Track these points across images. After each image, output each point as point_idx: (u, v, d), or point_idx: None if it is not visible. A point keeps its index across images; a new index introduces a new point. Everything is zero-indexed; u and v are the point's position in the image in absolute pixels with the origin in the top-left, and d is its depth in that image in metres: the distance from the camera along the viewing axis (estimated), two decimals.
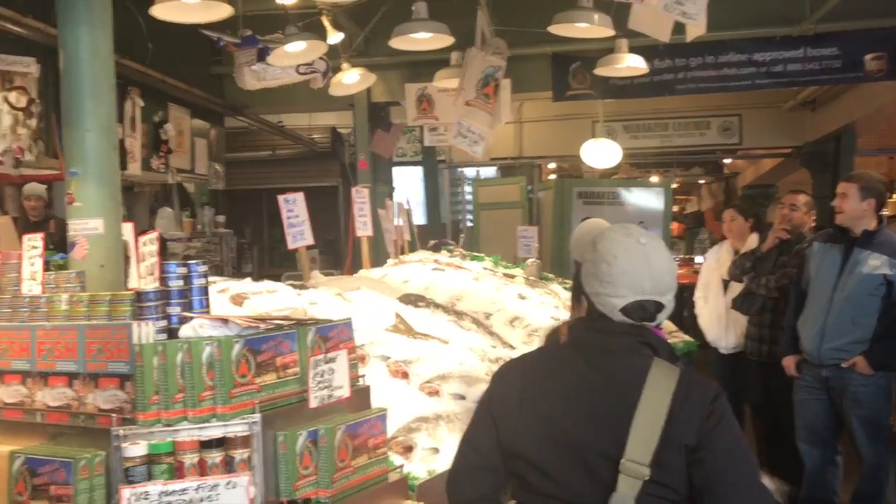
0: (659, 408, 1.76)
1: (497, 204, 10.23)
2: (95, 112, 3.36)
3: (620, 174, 13.85)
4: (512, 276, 5.94)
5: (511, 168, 13.10)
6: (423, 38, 5.64)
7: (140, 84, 7.43)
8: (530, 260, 6.87)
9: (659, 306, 1.90)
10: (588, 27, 5.34)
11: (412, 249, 7.09)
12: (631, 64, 6.51)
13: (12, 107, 5.76)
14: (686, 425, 1.77)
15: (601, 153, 9.34)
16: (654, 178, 13.69)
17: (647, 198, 9.84)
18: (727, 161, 15.50)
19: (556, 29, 5.46)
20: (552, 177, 13.73)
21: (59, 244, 4.52)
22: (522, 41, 7.63)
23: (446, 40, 5.66)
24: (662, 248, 1.93)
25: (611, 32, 5.48)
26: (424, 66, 7.80)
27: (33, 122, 5.88)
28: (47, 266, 2.89)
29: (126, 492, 2.09)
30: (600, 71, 6.80)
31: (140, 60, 7.28)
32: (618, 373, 1.85)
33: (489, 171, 14.14)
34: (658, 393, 1.77)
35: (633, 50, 6.52)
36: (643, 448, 1.73)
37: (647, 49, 6.90)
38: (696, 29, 4.97)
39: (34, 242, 2.85)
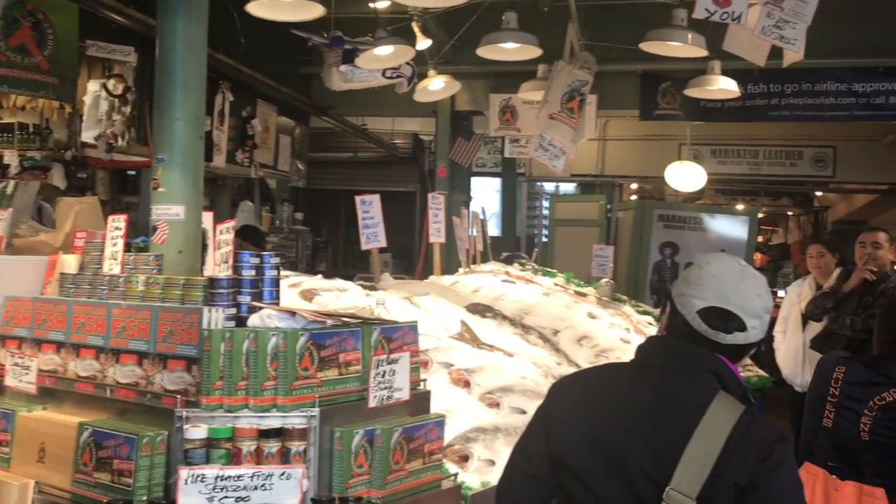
0: (714, 441, 1.70)
1: (574, 221, 10.13)
2: (185, 102, 3.47)
3: (704, 199, 13.49)
4: (584, 295, 5.84)
5: (591, 186, 12.97)
6: (510, 49, 5.61)
7: (231, 79, 7.63)
8: (604, 280, 6.75)
9: (741, 325, 1.82)
10: (681, 46, 5.22)
11: (484, 260, 7.07)
12: (723, 86, 6.33)
13: (109, 93, 5.99)
14: (740, 464, 1.70)
15: (686, 176, 9.11)
16: (740, 206, 13.28)
17: (730, 226, 9.52)
18: (818, 194, 14.94)
19: (648, 46, 5.36)
20: (633, 197, 13.50)
21: None
22: (612, 57, 7.53)
23: (534, 52, 5.62)
24: (761, 279, 1.89)
25: (704, 53, 5.36)
26: (510, 77, 7.79)
27: (127, 110, 6.10)
28: (128, 248, 2.97)
29: (184, 472, 2.12)
30: (690, 92, 6.64)
31: (233, 56, 7.48)
32: (679, 399, 1.80)
33: (568, 188, 14.02)
34: (716, 426, 1.72)
35: (725, 72, 6.33)
36: (691, 480, 1.68)
37: (740, 72, 6.71)
38: (794, 55, 4.82)
39: (118, 224, 2.93)
